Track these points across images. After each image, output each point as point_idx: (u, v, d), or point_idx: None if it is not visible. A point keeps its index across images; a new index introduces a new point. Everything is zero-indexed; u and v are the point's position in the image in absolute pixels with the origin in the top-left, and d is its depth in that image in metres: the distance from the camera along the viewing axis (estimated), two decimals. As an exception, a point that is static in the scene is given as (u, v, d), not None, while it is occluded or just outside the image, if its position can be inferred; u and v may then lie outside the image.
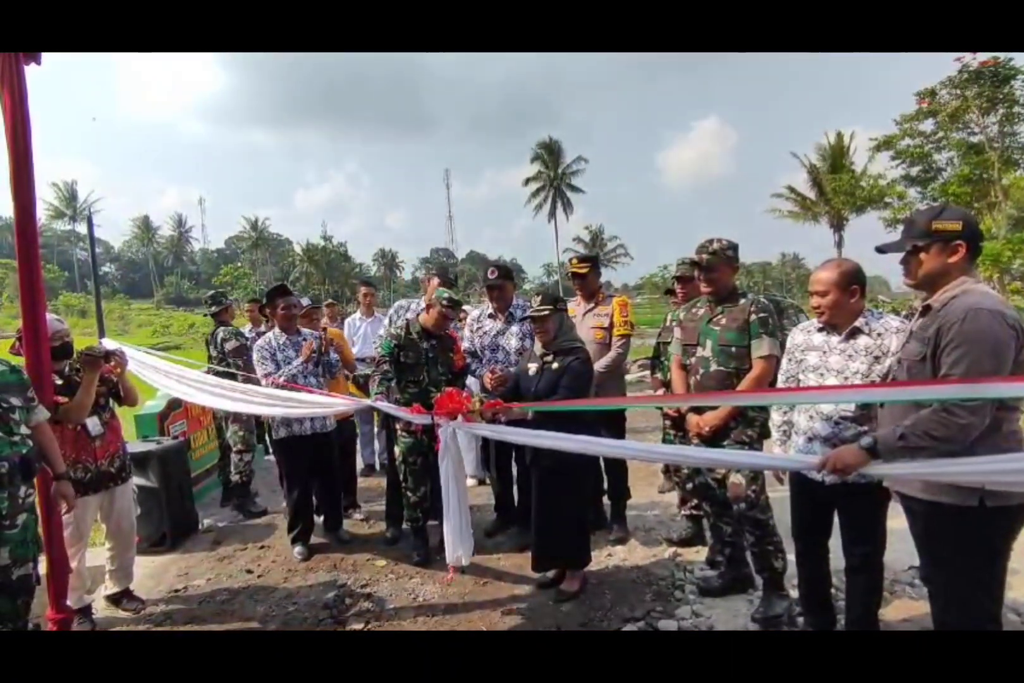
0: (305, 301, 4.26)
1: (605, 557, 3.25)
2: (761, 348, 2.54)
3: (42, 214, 60.65)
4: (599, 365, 3.31)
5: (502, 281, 3.49)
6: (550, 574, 2.98)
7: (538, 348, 2.94)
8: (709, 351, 2.65)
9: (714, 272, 2.62)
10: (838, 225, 30.66)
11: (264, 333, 4.46)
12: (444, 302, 3.22)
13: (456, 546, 2.69)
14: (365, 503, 4.26)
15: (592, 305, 3.52)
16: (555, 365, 2.82)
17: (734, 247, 2.67)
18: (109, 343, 3.34)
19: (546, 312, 2.81)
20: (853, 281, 2.09)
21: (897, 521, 2.01)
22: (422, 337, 3.28)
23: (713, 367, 2.62)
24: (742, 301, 2.64)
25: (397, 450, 3.40)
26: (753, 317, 2.56)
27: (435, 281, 3.70)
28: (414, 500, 3.32)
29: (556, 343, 2.85)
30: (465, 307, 5.08)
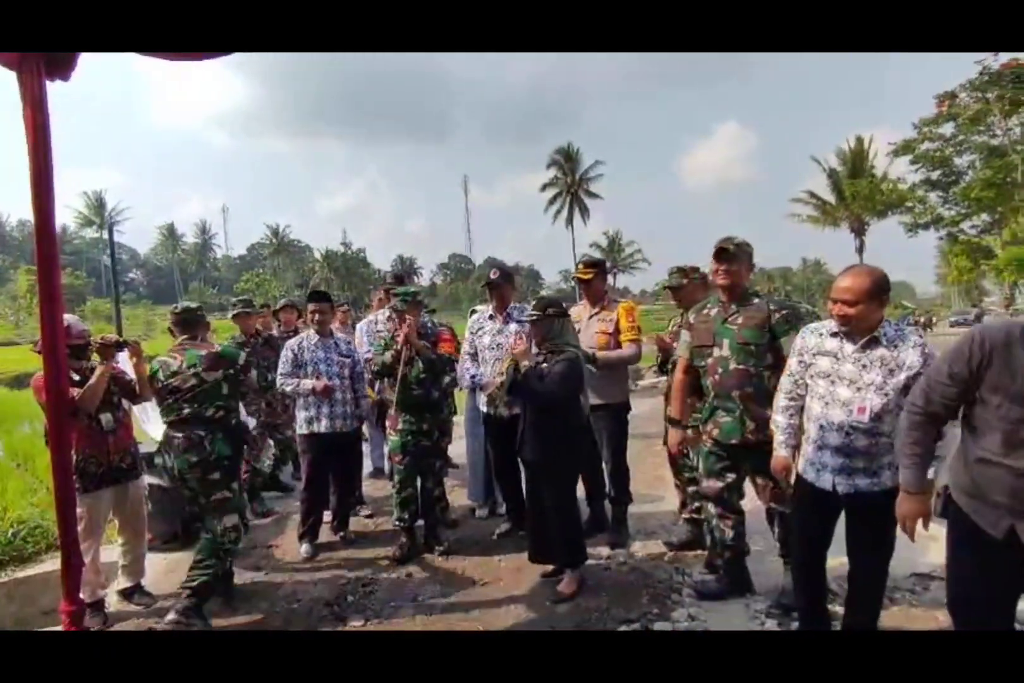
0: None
1: (604, 559, 3.27)
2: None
3: (72, 222, 62.63)
4: (603, 353, 3.37)
5: (502, 281, 3.61)
6: (550, 566, 3.05)
7: (534, 348, 3.05)
8: (727, 350, 2.64)
9: (734, 264, 2.64)
10: (859, 230, 30.27)
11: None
12: (394, 299, 3.48)
13: None
14: (373, 502, 4.34)
15: (597, 309, 3.56)
16: (544, 366, 2.91)
17: (752, 248, 2.70)
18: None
19: (535, 317, 2.93)
20: (884, 290, 2.02)
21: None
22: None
23: (732, 366, 2.62)
24: (756, 300, 2.66)
25: (386, 449, 3.50)
26: (777, 316, 2.55)
27: (377, 295, 3.95)
28: (400, 499, 3.42)
29: (546, 345, 2.94)
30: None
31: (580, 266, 3.67)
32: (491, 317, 3.66)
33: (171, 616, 2.68)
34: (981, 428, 1.62)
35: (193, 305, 3.14)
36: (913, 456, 1.75)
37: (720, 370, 2.65)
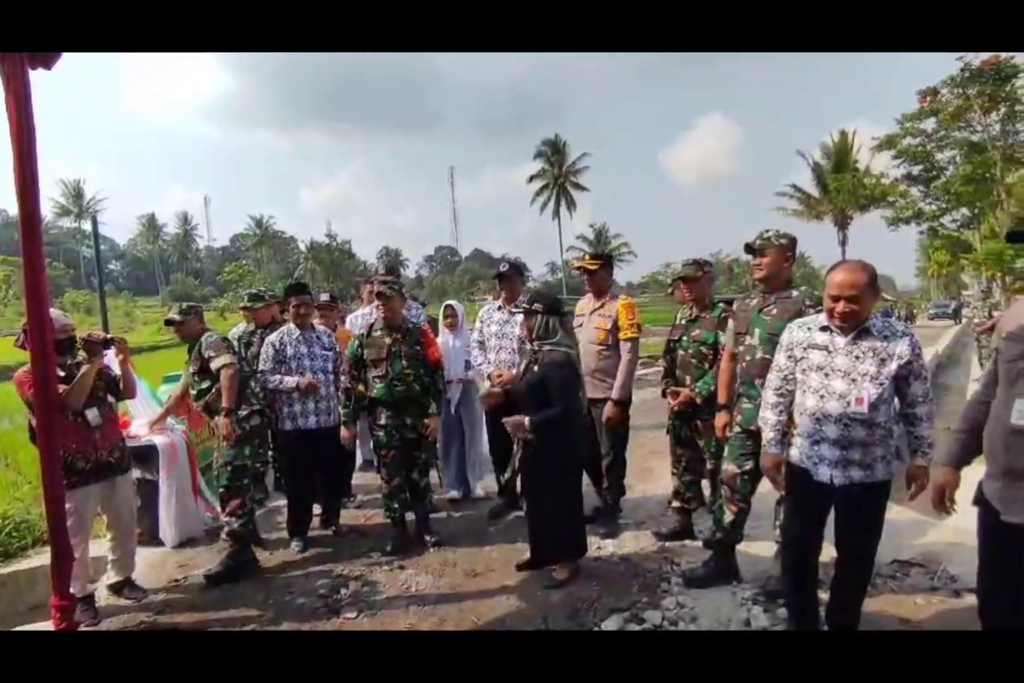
0: (324, 296, 4.30)
1: (595, 550, 3.31)
2: None
3: (48, 212, 61.12)
4: (619, 383, 3.43)
5: (512, 274, 3.87)
6: None
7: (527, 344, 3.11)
8: (757, 340, 2.69)
9: (764, 256, 2.69)
10: (842, 223, 30.61)
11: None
12: (378, 285, 3.54)
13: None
14: (364, 495, 4.36)
15: (600, 304, 3.58)
16: (535, 367, 2.93)
17: (789, 238, 2.72)
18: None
19: (520, 311, 3.07)
20: (877, 283, 2.08)
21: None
22: (385, 332, 3.47)
23: (759, 355, 2.67)
24: (795, 293, 2.70)
25: (372, 443, 3.62)
26: (811, 312, 2.55)
27: (368, 288, 3.99)
28: (388, 491, 3.49)
29: (536, 343, 2.96)
30: (455, 304, 5.19)
31: (587, 256, 3.74)
32: (499, 308, 3.88)
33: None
34: (996, 386, 1.84)
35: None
36: (958, 432, 1.97)
37: (748, 358, 2.72)
